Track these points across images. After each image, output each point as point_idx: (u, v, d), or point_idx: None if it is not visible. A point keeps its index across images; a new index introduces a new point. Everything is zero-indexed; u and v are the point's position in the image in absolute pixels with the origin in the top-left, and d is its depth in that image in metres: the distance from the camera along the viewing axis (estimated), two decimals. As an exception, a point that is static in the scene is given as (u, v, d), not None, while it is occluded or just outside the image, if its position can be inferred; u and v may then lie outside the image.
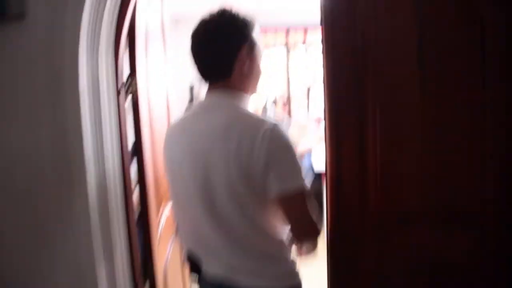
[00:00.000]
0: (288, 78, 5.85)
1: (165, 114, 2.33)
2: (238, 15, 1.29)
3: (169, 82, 2.44)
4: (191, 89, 5.05)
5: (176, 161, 1.33)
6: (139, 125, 1.87)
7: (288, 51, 5.82)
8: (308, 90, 5.66)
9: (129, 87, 1.80)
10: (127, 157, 1.79)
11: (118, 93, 1.71)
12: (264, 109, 5.22)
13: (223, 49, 1.27)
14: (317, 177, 4.08)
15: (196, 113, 1.35)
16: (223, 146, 1.19)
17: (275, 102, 5.16)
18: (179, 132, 1.36)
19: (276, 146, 1.17)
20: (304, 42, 5.71)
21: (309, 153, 4.49)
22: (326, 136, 1.42)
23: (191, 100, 4.96)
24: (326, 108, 1.40)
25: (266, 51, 5.15)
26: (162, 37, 2.29)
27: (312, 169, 4.19)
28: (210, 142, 1.22)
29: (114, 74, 1.68)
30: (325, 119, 1.41)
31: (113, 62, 1.67)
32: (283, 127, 1.20)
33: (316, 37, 5.68)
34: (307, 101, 5.69)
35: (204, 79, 1.33)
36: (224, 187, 1.21)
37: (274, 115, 5.13)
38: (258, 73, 1.35)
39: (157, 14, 2.19)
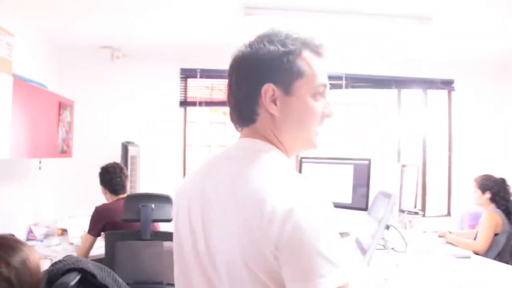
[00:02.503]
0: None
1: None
2: (271, 40, 1.09)
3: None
4: (125, 146, 4.44)
5: (179, 228, 1.16)
6: None
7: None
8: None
9: None
10: None
11: None
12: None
13: (234, 89, 1.12)
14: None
15: (206, 164, 1.18)
16: (222, 213, 1.03)
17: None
18: (188, 188, 1.17)
19: (292, 233, 0.92)
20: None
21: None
22: None
23: (125, 157, 4.40)
24: None
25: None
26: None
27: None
28: (211, 204, 1.07)
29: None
30: None
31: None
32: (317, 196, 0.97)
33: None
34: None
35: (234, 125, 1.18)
36: (224, 270, 1.01)
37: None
38: (306, 116, 1.10)
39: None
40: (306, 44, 1.11)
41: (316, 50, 1.12)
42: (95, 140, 4.70)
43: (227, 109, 1.19)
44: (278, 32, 1.11)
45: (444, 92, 5.51)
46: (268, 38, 1.10)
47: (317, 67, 1.10)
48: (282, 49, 1.08)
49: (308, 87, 1.08)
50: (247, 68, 1.10)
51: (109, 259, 2.91)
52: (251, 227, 0.95)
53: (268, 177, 1.00)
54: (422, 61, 5.15)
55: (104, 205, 3.33)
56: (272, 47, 1.08)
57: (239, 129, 1.16)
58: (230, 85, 1.14)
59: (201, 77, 5.03)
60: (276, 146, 1.11)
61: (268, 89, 1.07)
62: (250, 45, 1.11)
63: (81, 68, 4.81)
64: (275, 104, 1.08)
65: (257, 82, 1.08)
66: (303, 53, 1.09)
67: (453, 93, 5.45)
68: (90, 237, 3.23)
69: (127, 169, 4.08)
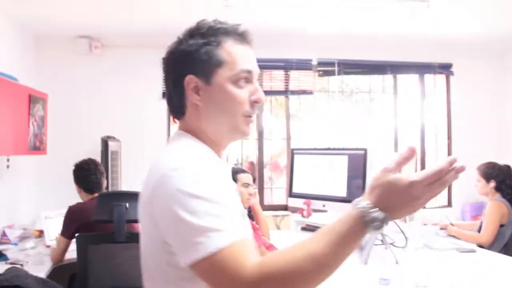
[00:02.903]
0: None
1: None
2: (193, 34, 1.16)
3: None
4: (105, 141, 4.17)
5: None
6: None
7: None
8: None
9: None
10: None
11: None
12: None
13: (167, 83, 1.20)
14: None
15: None
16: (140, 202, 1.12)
17: None
18: None
19: (161, 204, 0.98)
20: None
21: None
22: None
23: (106, 153, 4.13)
24: None
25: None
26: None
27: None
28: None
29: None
30: None
31: None
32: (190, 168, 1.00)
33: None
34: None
35: None
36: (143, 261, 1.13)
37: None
38: (227, 103, 1.13)
39: None
40: (228, 34, 1.15)
41: (239, 38, 1.15)
42: (72, 135, 4.46)
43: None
44: (202, 25, 1.15)
45: (442, 77, 5.29)
46: (190, 32, 1.16)
47: (239, 54, 1.14)
48: (201, 41, 1.13)
49: (228, 75, 1.12)
50: (172, 62, 1.18)
51: (82, 264, 2.68)
52: (143, 213, 1.05)
53: (159, 163, 1.05)
54: (418, 44, 4.92)
55: (78, 204, 3.09)
56: (191, 41, 1.14)
57: (176, 122, 1.23)
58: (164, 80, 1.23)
59: (185, 66, 4.80)
60: (197, 137, 1.15)
61: (190, 81, 1.13)
62: (177, 40, 1.18)
63: (58, 59, 4.57)
64: (199, 95, 1.14)
65: (180, 74, 1.14)
66: (224, 43, 1.13)
67: (451, 77, 5.23)
68: (64, 240, 3.00)
69: (107, 165, 3.86)
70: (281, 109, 5.31)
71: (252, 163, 5.45)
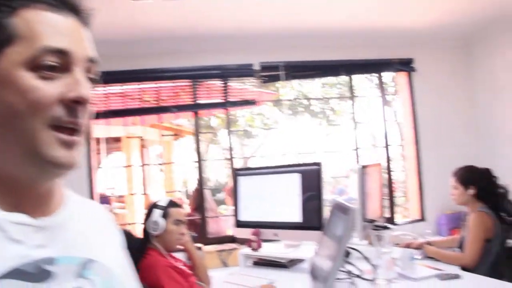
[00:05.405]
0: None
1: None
2: None
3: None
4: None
5: None
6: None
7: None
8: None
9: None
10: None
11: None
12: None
13: None
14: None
15: None
16: None
17: None
18: None
19: None
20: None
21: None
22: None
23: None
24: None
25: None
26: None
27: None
28: None
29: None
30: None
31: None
32: None
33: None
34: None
35: None
36: None
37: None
38: (12, 106, 0.67)
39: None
40: None
41: (55, 4, 0.71)
42: None
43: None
44: None
45: (403, 74, 4.90)
46: None
47: (46, 24, 0.70)
48: None
49: (21, 57, 0.67)
50: None
51: None
52: None
53: None
54: (374, 39, 4.52)
55: None
56: None
57: None
58: None
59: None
60: None
61: None
62: None
63: None
64: None
65: None
66: (24, 8, 0.69)
67: (413, 74, 4.84)
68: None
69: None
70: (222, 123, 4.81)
71: (198, 191, 4.91)
